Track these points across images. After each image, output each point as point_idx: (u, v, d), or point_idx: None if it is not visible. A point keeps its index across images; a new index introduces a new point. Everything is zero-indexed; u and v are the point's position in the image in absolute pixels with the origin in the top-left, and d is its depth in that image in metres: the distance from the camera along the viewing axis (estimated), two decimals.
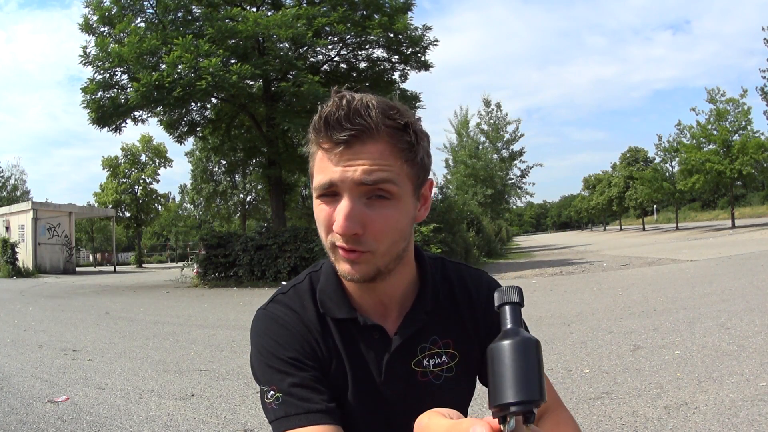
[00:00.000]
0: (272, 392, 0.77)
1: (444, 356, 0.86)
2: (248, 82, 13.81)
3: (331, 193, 0.73)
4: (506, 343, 0.46)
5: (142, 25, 14.05)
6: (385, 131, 0.72)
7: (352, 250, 0.73)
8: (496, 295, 0.52)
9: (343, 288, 0.84)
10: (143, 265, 37.71)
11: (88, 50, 13.59)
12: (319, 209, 0.75)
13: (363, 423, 0.83)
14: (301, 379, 0.77)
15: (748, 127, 27.84)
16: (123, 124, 15.12)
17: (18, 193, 42.37)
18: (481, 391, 0.94)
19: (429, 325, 0.86)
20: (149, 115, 15.50)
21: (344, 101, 0.71)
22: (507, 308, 0.50)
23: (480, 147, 29.24)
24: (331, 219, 0.73)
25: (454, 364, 0.86)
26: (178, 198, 47.30)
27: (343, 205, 0.71)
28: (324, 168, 0.73)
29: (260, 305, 0.89)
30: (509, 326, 0.49)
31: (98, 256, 45.95)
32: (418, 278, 0.88)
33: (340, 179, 0.71)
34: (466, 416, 0.95)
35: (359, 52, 15.98)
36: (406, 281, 0.85)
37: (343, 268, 0.76)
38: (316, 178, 0.74)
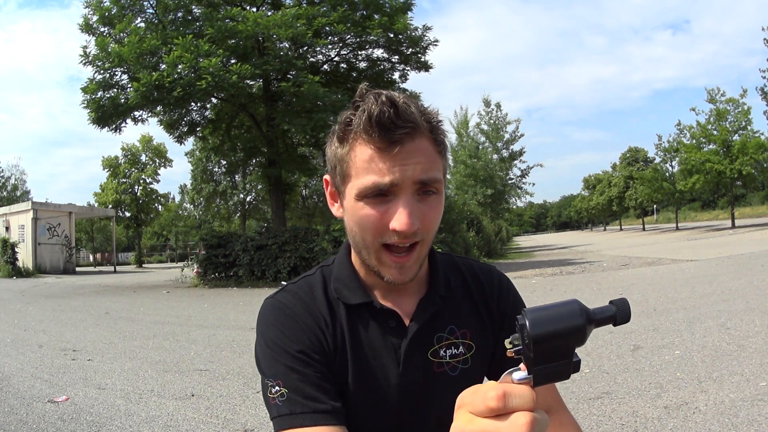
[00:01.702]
0: (277, 388, 0.75)
1: (461, 347, 0.86)
2: (248, 82, 13.80)
3: (382, 194, 0.73)
4: (576, 300, 0.47)
5: (142, 25, 14.04)
6: (426, 127, 0.74)
7: (406, 248, 0.75)
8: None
9: (358, 276, 0.85)
10: (143, 265, 37.69)
11: (88, 50, 13.60)
12: (366, 212, 0.74)
13: (371, 416, 0.82)
14: (307, 376, 0.76)
15: (748, 127, 27.89)
16: (123, 124, 15.10)
17: (18, 193, 42.42)
18: None
19: (444, 313, 0.86)
20: (149, 115, 15.49)
21: (386, 99, 0.71)
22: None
23: (480, 147, 29.23)
24: (383, 219, 0.73)
25: (470, 356, 0.86)
26: (178, 198, 47.45)
27: (406, 203, 0.72)
28: (376, 169, 0.72)
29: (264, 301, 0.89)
30: None
31: (98, 256, 45.95)
32: (428, 266, 0.89)
33: (401, 179, 0.72)
34: None
35: (359, 52, 15.97)
36: (421, 270, 0.86)
37: (391, 273, 0.77)
38: (364, 179, 0.73)
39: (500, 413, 0.42)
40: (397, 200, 0.73)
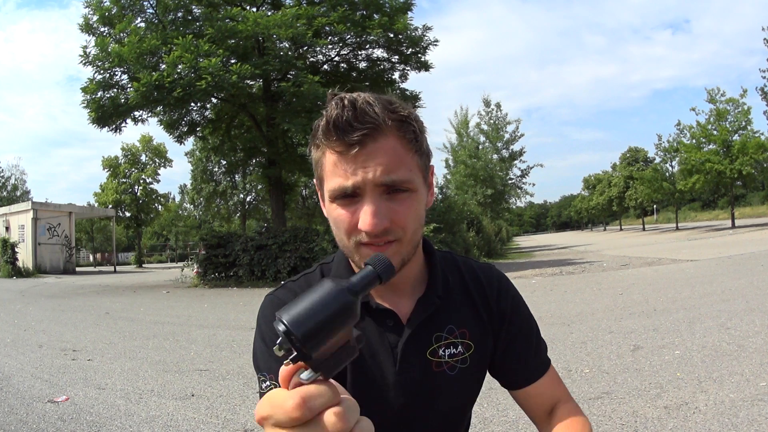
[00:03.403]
0: (268, 382, 0.77)
1: (460, 346, 0.86)
2: (248, 82, 13.80)
3: (350, 195, 0.73)
4: (328, 280, 0.43)
5: (142, 25, 14.04)
6: (392, 125, 0.73)
7: (381, 243, 0.74)
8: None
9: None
10: (143, 265, 37.70)
11: (88, 50, 13.61)
12: (338, 212, 0.75)
13: (369, 414, 0.81)
14: None
15: (748, 127, 27.89)
16: (123, 124, 15.10)
17: (18, 193, 42.41)
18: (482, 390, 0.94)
19: (443, 313, 0.86)
20: (149, 115, 15.49)
21: (347, 102, 0.71)
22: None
23: (480, 147, 29.24)
24: (353, 220, 0.74)
25: (468, 355, 0.86)
26: (178, 198, 47.36)
27: (369, 205, 0.72)
28: (340, 172, 0.73)
29: (264, 297, 0.90)
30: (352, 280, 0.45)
31: (98, 256, 45.97)
32: (426, 265, 0.89)
33: (362, 182, 0.71)
34: (472, 407, 0.96)
35: (359, 52, 15.97)
36: (416, 268, 0.86)
37: None
38: (331, 182, 0.74)
39: (306, 419, 0.40)
40: (363, 201, 0.73)
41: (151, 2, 14.01)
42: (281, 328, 0.40)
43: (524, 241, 57.99)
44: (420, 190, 0.77)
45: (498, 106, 30.14)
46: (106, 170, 37.20)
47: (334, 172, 0.73)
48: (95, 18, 13.97)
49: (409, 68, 16.28)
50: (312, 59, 15.38)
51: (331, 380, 0.42)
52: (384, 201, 0.73)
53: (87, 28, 14.04)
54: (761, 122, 67.36)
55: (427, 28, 15.14)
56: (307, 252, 12.85)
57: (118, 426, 3.01)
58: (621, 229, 59.36)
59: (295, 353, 0.40)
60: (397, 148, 0.73)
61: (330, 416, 0.40)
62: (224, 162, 22.71)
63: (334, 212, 0.76)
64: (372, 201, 0.72)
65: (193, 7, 14.45)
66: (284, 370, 0.43)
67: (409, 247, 0.77)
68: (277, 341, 0.41)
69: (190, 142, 22.23)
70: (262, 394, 0.78)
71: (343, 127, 0.70)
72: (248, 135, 17.19)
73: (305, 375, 0.41)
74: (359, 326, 0.83)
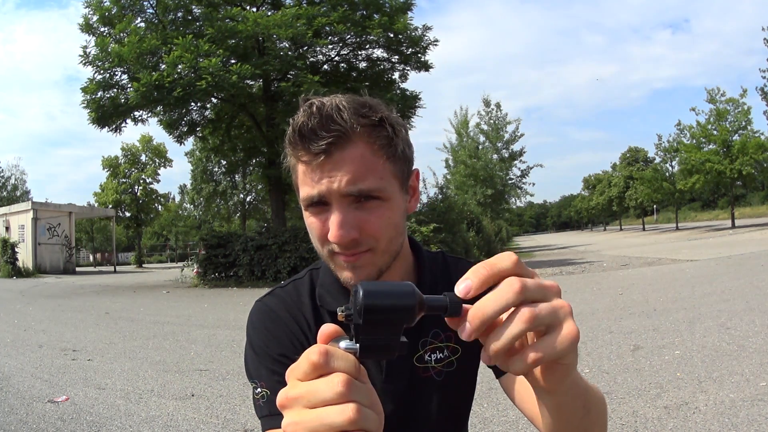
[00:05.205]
0: (259, 389, 0.77)
1: (445, 350, 0.85)
2: (248, 82, 13.80)
3: (319, 204, 0.72)
4: (411, 283, 0.46)
5: (142, 25, 14.06)
6: (361, 131, 0.70)
7: (353, 254, 0.73)
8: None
9: (341, 281, 0.84)
10: (143, 265, 37.69)
11: (88, 50, 13.61)
12: (311, 221, 0.74)
13: None
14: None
15: (748, 127, 27.89)
16: (123, 124, 15.12)
17: (18, 193, 42.43)
18: (479, 391, 0.94)
19: (430, 317, 0.85)
20: (149, 115, 15.49)
21: (314, 108, 0.69)
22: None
23: (480, 147, 29.23)
24: (324, 229, 0.72)
25: (455, 359, 0.85)
26: (178, 198, 47.36)
27: (335, 215, 0.70)
28: (308, 181, 0.71)
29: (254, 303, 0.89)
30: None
31: (98, 256, 45.94)
32: (415, 270, 0.87)
33: (327, 192, 0.70)
34: (469, 412, 0.95)
35: (359, 52, 15.98)
36: (403, 273, 0.84)
37: (345, 275, 0.75)
38: (302, 190, 0.73)
39: (322, 372, 0.41)
40: (331, 210, 0.71)
41: (151, 2, 14.02)
42: (355, 290, 0.44)
43: (524, 241, 57.98)
44: (394, 198, 0.74)
45: (498, 106, 30.12)
46: (106, 170, 37.22)
47: (303, 180, 0.72)
48: (95, 18, 13.97)
49: (409, 68, 16.28)
50: (312, 59, 15.38)
51: (361, 366, 0.43)
52: (352, 210, 0.71)
53: (87, 28, 14.04)
54: (761, 122, 67.19)
55: (427, 28, 15.16)
56: (307, 252, 12.85)
57: (118, 426, 3.01)
58: (621, 229, 59.37)
59: (352, 313, 0.44)
60: (365, 155, 0.70)
61: (338, 376, 0.40)
62: (224, 162, 22.69)
63: (307, 220, 0.75)
64: (339, 211, 0.70)
65: (193, 7, 14.46)
66: (327, 326, 0.45)
67: (385, 257, 0.75)
68: (345, 305, 0.44)
69: (190, 142, 22.21)
70: (256, 401, 0.78)
71: (308, 135, 0.68)
72: (248, 135, 17.19)
73: (344, 343, 0.44)
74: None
